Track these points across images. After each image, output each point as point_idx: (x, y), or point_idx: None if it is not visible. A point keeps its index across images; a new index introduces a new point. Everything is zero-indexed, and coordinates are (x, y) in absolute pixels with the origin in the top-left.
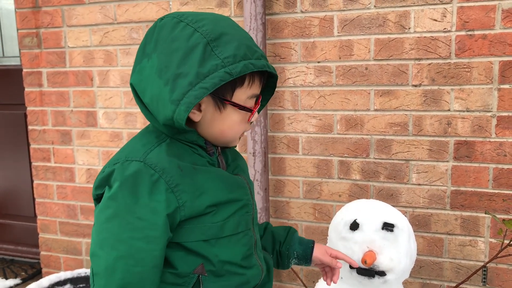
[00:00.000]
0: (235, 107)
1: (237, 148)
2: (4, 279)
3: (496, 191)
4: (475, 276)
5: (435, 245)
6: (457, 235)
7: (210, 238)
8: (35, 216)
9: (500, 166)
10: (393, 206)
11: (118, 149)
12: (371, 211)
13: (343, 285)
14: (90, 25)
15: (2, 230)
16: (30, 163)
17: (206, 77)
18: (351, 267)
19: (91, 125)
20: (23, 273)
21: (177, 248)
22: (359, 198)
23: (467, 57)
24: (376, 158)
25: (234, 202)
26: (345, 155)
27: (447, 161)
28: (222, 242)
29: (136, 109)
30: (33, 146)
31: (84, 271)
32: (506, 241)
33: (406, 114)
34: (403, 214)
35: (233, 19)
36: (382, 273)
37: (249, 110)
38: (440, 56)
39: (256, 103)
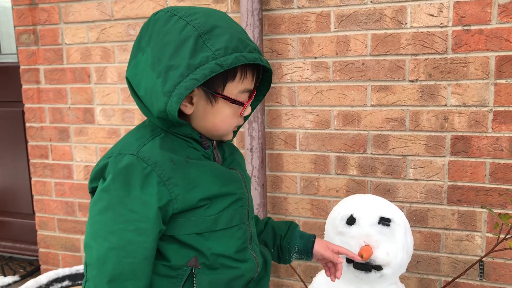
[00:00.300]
0: (227, 101)
1: (235, 144)
2: (2, 276)
3: (493, 186)
4: (472, 270)
5: (432, 240)
6: (454, 230)
7: (203, 231)
8: (33, 213)
9: (496, 160)
10: (390, 201)
11: None
12: (368, 205)
13: (339, 279)
14: (87, 22)
15: (1, 228)
16: (28, 160)
17: (197, 69)
18: (348, 261)
19: (89, 122)
20: (21, 270)
21: (171, 240)
22: (356, 194)
23: (463, 52)
24: (373, 154)
25: (228, 196)
26: (342, 150)
27: (444, 156)
28: (216, 235)
29: (134, 106)
30: (30, 143)
31: (83, 268)
32: (502, 235)
33: (403, 110)
34: (400, 209)
35: (230, 15)
36: (378, 268)
37: (241, 104)
38: (436, 51)
39: (249, 97)
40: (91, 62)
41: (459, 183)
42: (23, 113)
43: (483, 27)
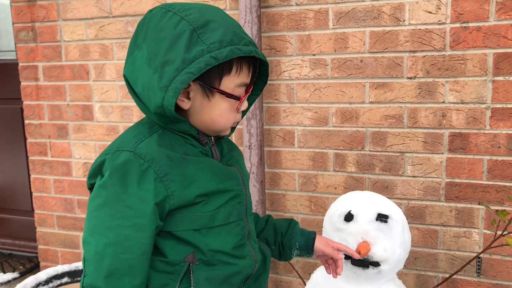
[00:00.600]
0: (223, 95)
1: (233, 141)
2: (2, 273)
3: (490, 183)
4: (469, 267)
5: (430, 236)
6: (451, 226)
7: (200, 228)
8: (33, 210)
9: (494, 157)
10: (388, 198)
11: None
12: (366, 202)
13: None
14: (86, 19)
15: (0, 225)
16: (27, 157)
17: (192, 62)
18: (345, 257)
19: (88, 119)
20: (21, 267)
21: (168, 236)
22: (354, 190)
23: (461, 49)
24: (371, 151)
25: (225, 192)
26: (341, 147)
27: (442, 153)
28: (213, 231)
29: (132, 103)
30: (29, 140)
31: (82, 265)
32: (499, 232)
33: (401, 107)
34: (398, 206)
35: (228, 12)
36: (376, 264)
37: (237, 98)
38: (434, 48)
39: (246, 91)
40: (89, 59)
41: (457, 180)
42: (21, 110)
43: (481, 24)
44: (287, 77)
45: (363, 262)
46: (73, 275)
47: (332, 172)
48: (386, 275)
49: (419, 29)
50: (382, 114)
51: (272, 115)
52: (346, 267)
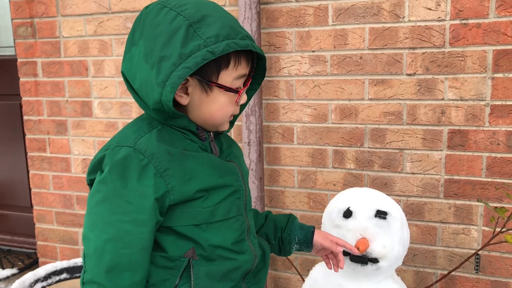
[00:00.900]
0: (221, 89)
1: (232, 138)
2: (1, 269)
3: (489, 180)
4: (468, 264)
5: (429, 233)
6: (450, 223)
7: (200, 223)
8: (31, 206)
9: (493, 154)
10: (387, 195)
11: None
12: (364, 199)
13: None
14: (85, 15)
15: None
16: (26, 153)
17: (189, 57)
18: (344, 254)
19: (87, 115)
20: (19, 263)
21: (168, 232)
22: (353, 187)
23: (461, 46)
24: (370, 147)
25: (225, 188)
26: (340, 144)
27: (441, 150)
28: (213, 227)
29: (131, 99)
30: (28, 136)
31: (81, 261)
32: (498, 229)
33: (400, 103)
34: (397, 203)
35: (227, 8)
36: (375, 260)
37: (236, 91)
38: (434, 45)
39: (244, 85)
40: (88, 55)
41: (456, 177)
42: (20, 106)
43: (480, 21)
44: (287, 74)
45: (362, 258)
46: (72, 271)
47: (331, 168)
48: (384, 271)
49: (419, 25)
50: (381, 111)
51: (271, 111)
52: (345, 264)
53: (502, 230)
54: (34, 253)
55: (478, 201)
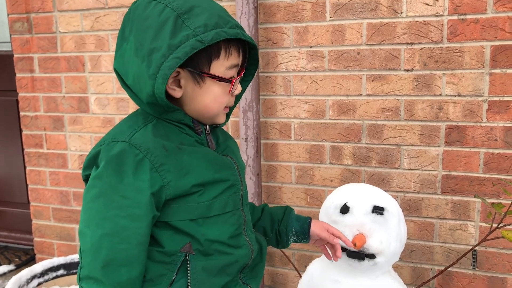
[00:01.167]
0: (214, 79)
1: (230, 134)
2: None
3: (487, 176)
4: (465, 260)
5: (426, 229)
6: (447, 219)
7: (197, 218)
8: (28, 202)
9: (490, 150)
10: (385, 191)
11: None
12: (361, 194)
13: (332, 267)
14: (81, 10)
15: None
16: (22, 149)
17: (178, 47)
18: (341, 250)
19: (83, 111)
20: (16, 260)
21: (165, 227)
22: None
23: (459, 41)
24: (367, 143)
25: (221, 182)
26: (337, 140)
27: (439, 146)
28: (210, 221)
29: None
30: (25, 132)
31: (78, 257)
32: (495, 225)
33: (397, 99)
34: (395, 198)
35: (224, 3)
36: (372, 256)
37: (228, 81)
38: (432, 40)
39: (238, 74)
40: (85, 51)
41: (453, 173)
42: (17, 102)
43: (478, 16)
44: (284, 69)
45: (359, 254)
46: (69, 267)
47: (329, 164)
48: (381, 267)
49: (417, 21)
50: (379, 107)
51: (268, 107)
52: (342, 259)
53: (499, 226)
54: (31, 249)
55: (475, 197)
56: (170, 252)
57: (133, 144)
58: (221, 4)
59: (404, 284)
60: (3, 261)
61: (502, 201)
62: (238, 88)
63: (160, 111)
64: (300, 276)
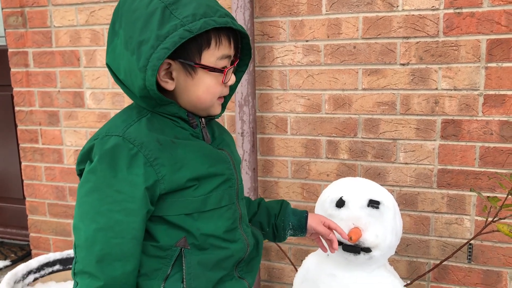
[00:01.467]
0: (205, 70)
1: (226, 128)
2: None
3: (482, 170)
4: (461, 253)
5: (422, 223)
6: (443, 213)
7: (192, 212)
8: (24, 198)
9: (486, 144)
10: (381, 185)
11: None
12: (357, 188)
13: (328, 261)
14: (76, 4)
15: None
16: (17, 144)
17: (166, 38)
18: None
19: (79, 106)
20: (12, 255)
21: (159, 221)
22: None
23: (455, 35)
24: (363, 138)
25: (216, 176)
26: (333, 134)
27: (434, 140)
28: (205, 216)
29: None
30: (20, 127)
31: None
32: (490, 218)
33: (393, 93)
34: (391, 193)
35: None
36: (367, 250)
37: (220, 70)
38: (428, 34)
39: (231, 64)
40: (80, 45)
41: (449, 167)
42: (12, 97)
43: (474, 10)
44: (280, 64)
45: (355, 248)
46: (65, 262)
47: (325, 159)
48: (377, 261)
49: (413, 15)
50: (375, 101)
51: (264, 102)
52: (337, 253)
53: (495, 219)
54: (27, 245)
55: (471, 190)
56: (165, 246)
57: (127, 138)
58: None
59: (400, 277)
60: None
61: (497, 195)
62: (232, 79)
63: (154, 105)
64: (296, 270)
